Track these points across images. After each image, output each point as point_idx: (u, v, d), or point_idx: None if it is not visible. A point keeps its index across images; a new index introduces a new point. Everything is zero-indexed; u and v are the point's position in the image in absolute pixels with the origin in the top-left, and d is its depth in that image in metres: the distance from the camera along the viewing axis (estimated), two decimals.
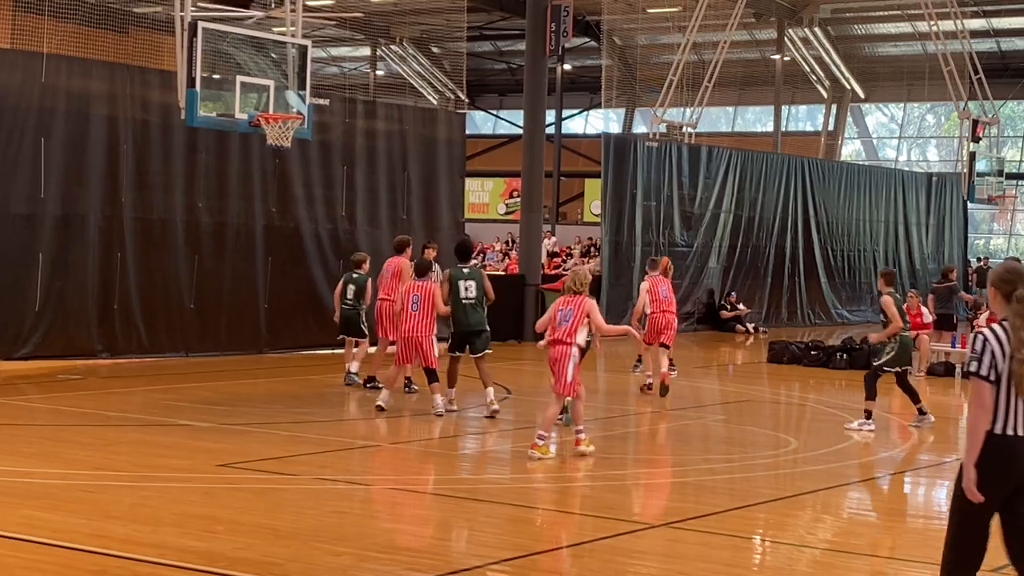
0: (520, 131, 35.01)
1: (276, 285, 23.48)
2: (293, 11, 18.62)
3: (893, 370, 16.58)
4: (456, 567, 8.96)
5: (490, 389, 16.42)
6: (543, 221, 33.38)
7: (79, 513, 10.04)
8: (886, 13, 48.00)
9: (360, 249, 24.60)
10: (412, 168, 26.16)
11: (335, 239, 24.51)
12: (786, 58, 48.21)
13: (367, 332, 19.11)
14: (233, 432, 14.61)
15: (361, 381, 18.80)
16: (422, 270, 16.83)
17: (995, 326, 6.79)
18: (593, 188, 46.70)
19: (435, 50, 54.25)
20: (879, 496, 13.12)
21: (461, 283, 16.61)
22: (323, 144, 24.08)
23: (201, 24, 16.91)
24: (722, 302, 34.25)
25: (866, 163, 50.14)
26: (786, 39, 48.14)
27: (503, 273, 37.54)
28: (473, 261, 18.27)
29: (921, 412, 16.80)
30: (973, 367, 6.73)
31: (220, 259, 22.80)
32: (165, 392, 18.05)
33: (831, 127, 53.65)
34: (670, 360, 21.69)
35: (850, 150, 55.42)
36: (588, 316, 13.68)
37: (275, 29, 20.04)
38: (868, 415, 16.36)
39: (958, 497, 6.75)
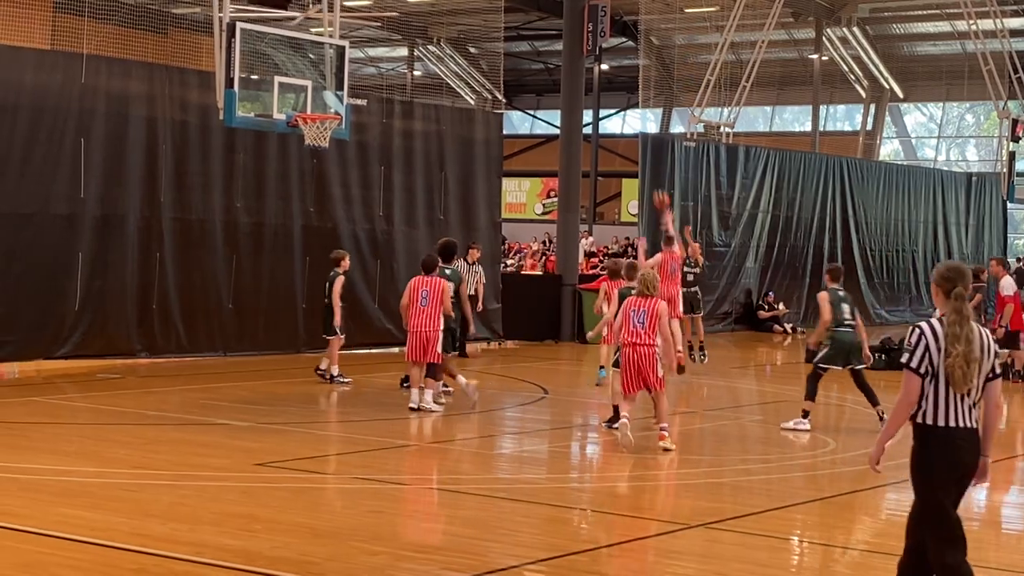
0: (557, 131, 34.98)
1: (314, 285, 23.46)
2: (331, 12, 18.68)
3: (834, 367, 16.25)
4: (492, 567, 8.96)
5: (460, 376, 17.25)
6: (580, 221, 33.34)
7: (118, 511, 10.10)
8: (925, 12, 47.71)
9: (396, 249, 24.76)
10: (449, 168, 26.17)
11: (373, 239, 24.54)
12: (824, 58, 47.98)
13: (335, 330, 19.29)
14: (271, 431, 14.67)
15: (327, 378, 19.28)
16: (430, 266, 16.89)
17: (933, 321, 7.01)
18: (630, 188, 46.61)
19: (472, 50, 54.25)
20: None
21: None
22: (360, 144, 24.10)
23: (239, 25, 16.97)
24: (760, 302, 34.14)
25: (905, 163, 49.85)
26: (824, 39, 47.90)
27: (540, 273, 37.55)
28: (457, 263, 18.59)
29: (881, 416, 16.18)
30: (905, 358, 6.96)
31: (258, 259, 22.86)
32: (203, 391, 18.14)
33: (869, 127, 53.38)
34: (700, 343, 22.25)
35: (888, 150, 55.13)
36: (658, 320, 13.89)
37: (313, 30, 20.09)
38: (805, 414, 16.16)
39: (918, 488, 6.99)
